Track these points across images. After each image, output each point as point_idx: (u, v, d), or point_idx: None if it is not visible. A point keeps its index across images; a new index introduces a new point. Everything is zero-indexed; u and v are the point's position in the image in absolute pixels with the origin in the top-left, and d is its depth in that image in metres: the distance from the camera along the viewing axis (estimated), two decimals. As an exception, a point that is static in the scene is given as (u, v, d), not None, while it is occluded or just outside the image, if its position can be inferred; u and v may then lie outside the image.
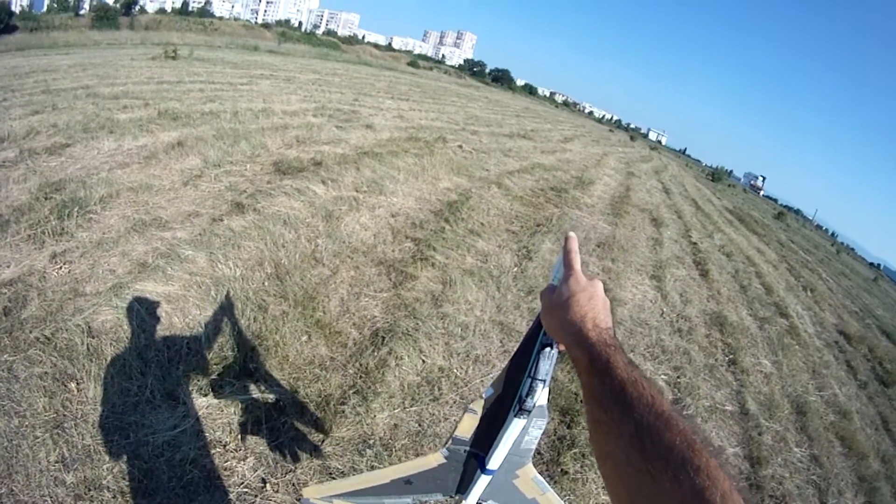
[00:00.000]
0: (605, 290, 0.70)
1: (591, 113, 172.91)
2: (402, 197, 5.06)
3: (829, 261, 23.86)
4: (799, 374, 4.94)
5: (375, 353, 2.54)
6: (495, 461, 0.80)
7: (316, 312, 2.73)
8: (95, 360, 2.18)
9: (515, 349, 0.79)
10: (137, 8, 54.73)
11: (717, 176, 46.06)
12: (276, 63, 21.52)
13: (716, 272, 6.93)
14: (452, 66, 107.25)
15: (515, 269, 4.24)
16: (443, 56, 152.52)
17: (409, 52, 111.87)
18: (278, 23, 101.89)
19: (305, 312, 2.69)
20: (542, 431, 0.78)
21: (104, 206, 3.72)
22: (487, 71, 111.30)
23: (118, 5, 50.28)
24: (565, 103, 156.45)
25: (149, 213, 3.68)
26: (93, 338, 2.31)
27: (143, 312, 2.50)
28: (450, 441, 0.87)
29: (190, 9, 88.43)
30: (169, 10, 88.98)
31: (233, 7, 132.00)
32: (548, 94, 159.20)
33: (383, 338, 2.68)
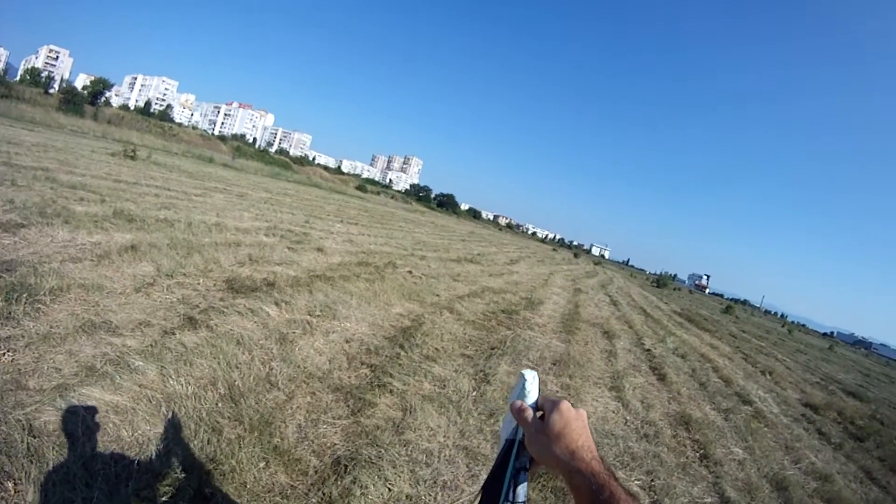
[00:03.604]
0: None
1: (534, 233, 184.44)
2: (355, 322, 5.13)
3: (783, 341, 25.57)
4: (772, 453, 5.07)
5: (339, 482, 2.50)
6: None
7: (273, 438, 2.70)
8: (36, 463, 2.06)
9: (488, 473, 0.84)
10: (103, 99, 55.62)
11: (662, 282, 48.91)
12: (230, 177, 22.14)
13: (673, 374, 7.13)
14: (399, 191, 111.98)
15: (474, 393, 4.27)
16: (390, 180, 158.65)
17: (357, 176, 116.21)
18: (234, 136, 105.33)
19: (262, 438, 2.66)
20: None
21: (53, 298, 3.65)
22: (433, 195, 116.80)
23: (85, 93, 50.96)
24: (509, 225, 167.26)
25: (99, 315, 3.61)
26: (34, 437, 2.19)
27: (89, 420, 2.40)
28: None
29: (152, 110, 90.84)
30: (132, 107, 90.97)
31: (192, 115, 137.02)
32: (491, 218, 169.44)
33: (346, 466, 2.65)
